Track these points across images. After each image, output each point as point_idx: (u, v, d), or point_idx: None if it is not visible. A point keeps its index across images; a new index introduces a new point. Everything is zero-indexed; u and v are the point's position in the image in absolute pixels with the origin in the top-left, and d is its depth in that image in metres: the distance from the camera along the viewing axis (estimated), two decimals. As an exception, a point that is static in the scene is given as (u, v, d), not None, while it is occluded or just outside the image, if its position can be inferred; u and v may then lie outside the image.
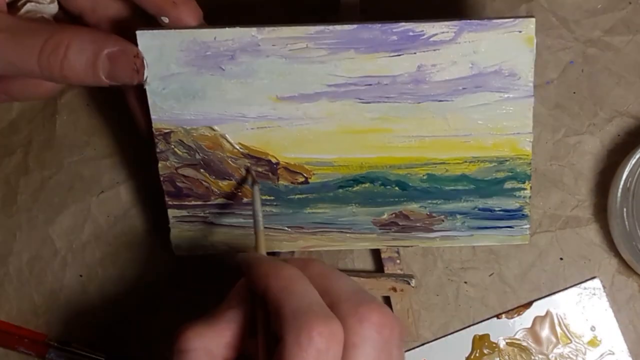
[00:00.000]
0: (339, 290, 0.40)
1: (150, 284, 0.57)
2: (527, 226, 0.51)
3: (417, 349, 0.55)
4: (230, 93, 0.47)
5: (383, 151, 0.49)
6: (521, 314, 0.55)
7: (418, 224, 0.51)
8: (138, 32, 0.46)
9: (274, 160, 0.49)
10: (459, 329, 0.56)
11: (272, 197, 0.50)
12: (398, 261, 0.54)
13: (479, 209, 0.50)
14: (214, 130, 0.48)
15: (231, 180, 0.50)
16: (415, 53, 0.46)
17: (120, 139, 0.56)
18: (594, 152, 0.55)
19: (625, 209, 0.52)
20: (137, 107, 0.49)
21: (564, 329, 0.55)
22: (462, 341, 0.55)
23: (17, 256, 0.57)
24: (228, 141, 0.49)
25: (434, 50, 0.46)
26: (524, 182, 0.49)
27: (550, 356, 0.55)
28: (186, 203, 0.51)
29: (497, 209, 0.50)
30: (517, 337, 0.55)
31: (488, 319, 0.55)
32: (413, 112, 0.48)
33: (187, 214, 0.51)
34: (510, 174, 0.49)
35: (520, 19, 0.46)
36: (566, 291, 0.55)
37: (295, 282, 0.39)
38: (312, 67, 0.47)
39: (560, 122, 0.55)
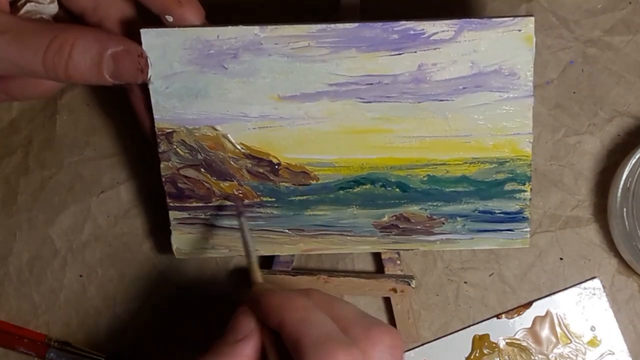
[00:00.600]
0: (346, 316, 0.41)
1: (150, 284, 0.57)
2: (528, 229, 0.51)
3: (417, 349, 0.55)
4: (232, 92, 0.48)
5: (384, 152, 0.49)
6: (521, 314, 0.55)
7: (418, 227, 0.51)
8: (142, 31, 0.46)
9: (275, 161, 0.49)
10: (459, 329, 0.56)
11: (273, 199, 0.50)
12: (398, 262, 0.54)
13: (480, 212, 0.50)
14: (216, 130, 0.48)
15: (232, 181, 0.50)
16: (415, 52, 0.47)
17: (121, 139, 0.56)
18: (594, 152, 0.55)
19: (625, 209, 0.52)
20: (140, 107, 0.49)
21: (564, 329, 0.55)
22: (462, 341, 0.55)
23: (17, 256, 0.57)
24: (230, 141, 0.49)
25: (435, 49, 0.46)
26: (524, 184, 0.49)
27: (550, 356, 0.55)
28: (187, 205, 0.51)
29: (497, 211, 0.50)
30: (517, 337, 0.55)
31: (488, 319, 0.55)
32: (414, 112, 0.48)
33: (188, 216, 0.51)
34: (510, 175, 0.49)
35: (520, 18, 0.46)
36: (566, 291, 0.55)
37: (311, 312, 0.40)
38: (314, 66, 0.47)
39: (560, 122, 0.55)
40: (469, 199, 0.50)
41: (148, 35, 0.46)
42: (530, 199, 0.50)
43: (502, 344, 0.55)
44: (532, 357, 0.55)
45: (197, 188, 0.50)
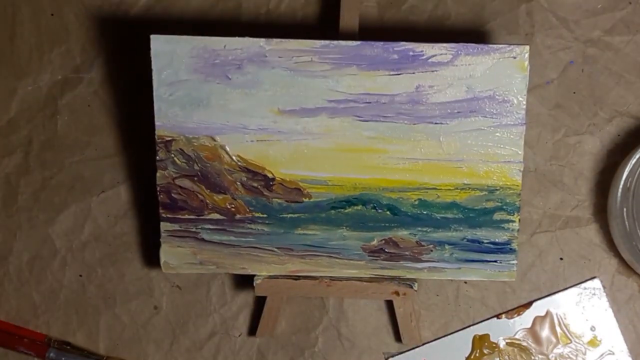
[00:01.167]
0: None
1: (150, 284, 0.57)
2: (515, 262, 0.51)
3: (417, 349, 0.55)
4: (234, 103, 0.49)
5: (377, 172, 0.50)
6: (521, 314, 0.55)
7: (407, 253, 0.51)
8: (152, 37, 0.48)
9: (270, 176, 0.50)
10: (459, 329, 0.56)
11: (265, 215, 0.51)
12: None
13: (468, 240, 0.51)
14: (214, 140, 0.50)
15: (226, 194, 0.50)
16: (414, 73, 0.48)
17: (121, 140, 0.56)
18: (594, 152, 0.55)
19: (625, 209, 0.52)
20: None
21: (564, 329, 0.55)
22: (462, 341, 0.55)
23: (17, 256, 0.57)
24: (227, 153, 0.50)
25: (432, 71, 0.48)
26: (512, 214, 0.50)
27: (550, 356, 0.55)
28: (179, 216, 0.51)
29: (485, 240, 0.51)
30: (517, 337, 0.55)
31: (488, 319, 0.55)
32: (408, 134, 0.49)
33: (179, 229, 0.51)
34: (499, 204, 0.50)
35: (515, 46, 0.48)
36: (566, 291, 0.55)
37: None
38: (315, 81, 0.49)
39: (560, 122, 0.55)
40: (458, 226, 0.50)
41: (157, 42, 0.48)
42: (518, 230, 0.50)
43: (502, 344, 0.55)
44: (532, 357, 0.55)
45: (190, 199, 0.50)
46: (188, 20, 0.56)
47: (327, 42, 0.48)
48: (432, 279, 0.55)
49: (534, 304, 0.55)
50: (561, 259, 0.55)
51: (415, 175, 0.50)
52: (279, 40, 0.48)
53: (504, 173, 0.49)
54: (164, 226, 0.51)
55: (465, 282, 0.55)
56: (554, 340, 0.55)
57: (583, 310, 0.55)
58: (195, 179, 0.50)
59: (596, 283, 0.55)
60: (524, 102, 0.48)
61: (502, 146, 0.49)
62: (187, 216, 0.51)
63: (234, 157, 0.50)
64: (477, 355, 0.55)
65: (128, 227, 0.57)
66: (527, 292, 0.55)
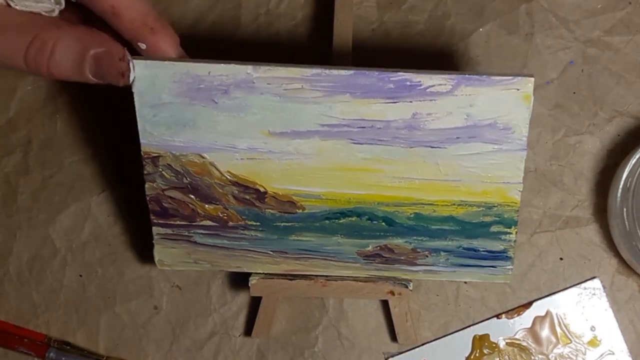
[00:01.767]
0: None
1: (150, 284, 0.57)
2: (510, 267, 0.51)
3: (417, 349, 0.55)
4: (221, 125, 0.47)
5: (372, 189, 0.48)
6: (521, 314, 0.55)
7: (402, 258, 0.51)
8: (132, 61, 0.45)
9: (262, 190, 0.49)
10: (459, 329, 0.56)
11: (258, 223, 0.50)
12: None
13: (464, 248, 0.50)
14: (203, 157, 0.48)
15: (217, 204, 0.49)
16: (411, 101, 0.46)
17: (121, 139, 0.56)
18: (594, 152, 0.55)
19: (625, 209, 0.52)
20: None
21: (564, 329, 0.55)
22: (462, 341, 0.55)
23: (17, 256, 0.57)
24: (217, 169, 0.48)
25: (430, 100, 0.46)
26: (510, 227, 0.49)
27: (550, 356, 0.55)
28: (171, 222, 0.50)
29: (481, 249, 0.50)
30: (517, 337, 0.55)
31: (488, 319, 0.55)
32: (405, 156, 0.47)
33: (172, 232, 0.51)
34: (497, 218, 0.49)
35: (519, 78, 0.45)
36: (566, 291, 0.55)
37: None
38: (306, 107, 0.46)
39: (560, 122, 0.55)
40: (454, 237, 0.50)
41: (138, 66, 0.45)
42: (515, 241, 0.50)
43: (502, 344, 0.55)
44: (532, 357, 0.55)
45: (181, 208, 0.50)
46: (188, 20, 0.56)
47: (318, 70, 0.45)
48: (432, 279, 0.55)
49: (534, 304, 0.55)
50: (561, 259, 0.55)
51: (412, 192, 0.48)
52: (266, 67, 0.45)
53: (502, 193, 0.48)
54: (156, 230, 0.51)
55: (465, 282, 0.55)
56: (554, 340, 0.55)
57: (583, 310, 0.55)
58: (185, 190, 0.49)
59: (596, 283, 0.55)
60: (526, 130, 0.46)
61: (501, 169, 0.47)
62: (179, 222, 0.50)
63: (224, 173, 0.48)
64: (477, 355, 0.55)
65: (128, 226, 0.57)
66: (527, 292, 0.55)
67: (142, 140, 0.47)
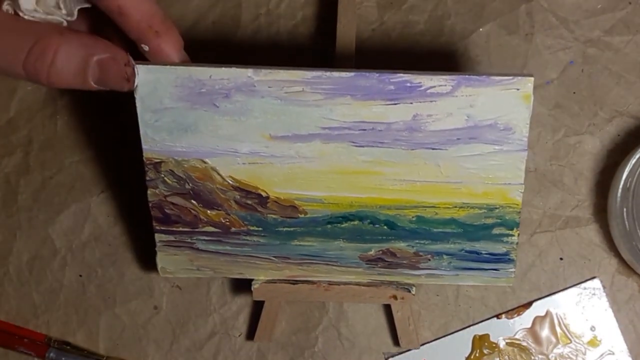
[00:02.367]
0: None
1: (150, 284, 0.57)
2: (513, 270, 0.51)
3: (416, 349, 0.55)
4: (223, 129, 0.47)
5: (374, 192, 0.48)
6: (521, 314, 0.55)
7: (404, 262, 0.51)
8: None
9: (264, 195, 0.49)
10: (459, 329, 0.56)
11: (260, 228, 0.50)
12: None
13: (466, 251, 0.50)
14: (205, 162, 0.48)
15: (220, 210, 0.49)
16: (411, 103, 0.46)
17: (121, 139, 0.56)
18: (594, 152, 0.55)
19: (625, 209, 0.52)
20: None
21: (564, 329, 0.55)
22: (462, 341, 0.55)
23: (17, 256, 0.57)
24: (219, 174, 0.48)
25: (431, 101, 0.46)
26: (512, 229, 0.49)
27: (550, 356, 0.55)
28: (174, 229, 0.50)
29: (483, 252, 0.50)
30: (517, 337, 0.55)
31: (488, 319, 0.55)
32: (406, 158, 0.47)
33: (174, 239, 0.51)
34: (499, 220, 0.49)
35: (519, 78, 0.45)
36: (566, 291, 0.55)
37: None
38: (307, 109, 0.46)
39: (560, 122, 0.55)
40: (456, 240, 0.50)
41: (140, 71, 0.45)
42: (517, 243, 0.50)
43: (502, 344, 0.55)
44: (532, 357, 0.55)
45: (183, 214, 0.50)
46: (188, 21, 0.56)
47: (319, 73, 0.45)
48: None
49: (534, 304, 0.55)
50: (561, 259, 0.55)
51: (413, 195, 0.48)
52: (267, 70, 0.45)
53: (503, 194, 0.48)
54: (158, 237, 0.50)
55: (465, 282, 0.55)
56: (554, 340, 0.55)
57: (583, 310, 0.55)
58: (188, 197, 0.49)
59: (596, 283, 0.55)
60: (527, 130, 0.46)
61: (502, 170, 0.47)
62: (181, 229, 0.50)
63: (226, 178, 0.48)
64: (477, 355, 0.55)
65: (128, 227, 0.57)
66: (527, 292, 0.55)
67: (144, 146, 0.47)
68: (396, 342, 0.55)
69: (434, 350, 0.55)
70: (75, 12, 0.44)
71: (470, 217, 0.49)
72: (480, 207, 0.49)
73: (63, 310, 0.57)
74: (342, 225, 0.50)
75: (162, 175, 0.48)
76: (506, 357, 0.55)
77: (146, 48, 0.45)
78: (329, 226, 0.50)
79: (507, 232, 0.49)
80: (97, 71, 0.42)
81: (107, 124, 0.57)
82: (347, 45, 0.53)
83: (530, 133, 0.54)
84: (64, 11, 0.43)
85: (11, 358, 0.57)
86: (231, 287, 0.56)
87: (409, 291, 0.52)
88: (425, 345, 0.55)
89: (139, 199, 0.56)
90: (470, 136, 0.47)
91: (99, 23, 0.46)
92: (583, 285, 0.55)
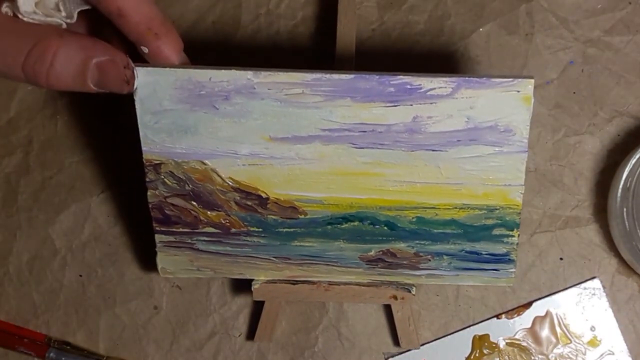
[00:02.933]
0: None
1: (150, 284, 0.57)
2: (513, 270, 0.51)
3: (416, 349, 0.55)
4: (222, 131, 0.47)
5: (374, 193, 0.48)
6: (521, 314, 0.55)
7: (404, 262, 0.51)
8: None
9: (264, 196, 0.49)
10: (459, 329, 0.56)
11: (260, 229, 0.50)
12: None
13: (466, 252, 0.50)
14: (204, 164, 0.48)
15: (220, 211, 0.49)
16: (411, 105, 0.46)
17: (121, 140, 0.56)
18: (594, 152, 0.55)
19: (625, 209, 0.52)
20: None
21: (564, 329, 0.55)
22: (462, 341, 0.55)
23: (17, 256, 0.57)
24: (219, 175, 0.48)
25: (431, 103, 0.46)
26: (512, 230, 0.49)
27: (550, 356, 0.55)
28: (174, 230, 0.50)
29: (484, 252, 0.50)
30: (517, 337, 0.55)
31: (488, 319, 0.55)
32: (406, 160, 0.47)
33: (175, 240, 0.51)
34: (499, 221, 0.49)
35: (519, 80, 0.45)
36: (566, 291, 0.55)
37: None
38: (307, 111, 0.46)
39: (560, 122, 0.55)
40: (456, 240, 0.50)
41: (139, 73, 0.45)
42: (517, 244, 0.50)
43: (502, 344, 0.55)
44: (532, 357, 0.55)
45: (184, 215, 0.50)
46: (188, 21, 0.56)
47: (318, 75, 0.45)
48: (432, 279, 0.55)
49: (534, 304, 0.55)
50: (561, 259, 0.55)
51: (413, 196, 0.48)
52: (267, 73, 0.45)
53: (503, 195, 0.48)
54: (158, 238, 0.51)
55: (465, 282, 0.55)
56: (553, 340, 0.55)
57: (583, 310, 0.55)
58: (188, 197, 0.49)
59: (596, 283, 0.55)
60: (527, 132, 0.46)
61: (502, 171, 0.47)
62: (181, 230, 0.50)
63: (226, 180, 0.48)
64: (477, 355, 0.55)
65: (128, 227, 0.57)
66: (527, 292, 0.55)
67: (143, 148, 0.47)
68: (396, 342, 0.55)
69: (434, 350, 0.55)
70: (75, 14, 0.44)
71: (470, 218, 0.49)
72: (481, 208, 0.49)
73: (63, 310, 0.57)
74: (342, 226, 0.50)
75: (162, 177, 0.48)
76: (506, 357, 0.55)
77: (146, 50, 0.45)
78: (329, 227, 0.50)
79: (507, 232, 0.49)
80: (96, 74, 0.42)
81: (107, 123, 0.57)
82: (347, 45, 0.53)
83: (530, 133, 0.54)
84: (63, 13, 0.43)
85: (11, 358, 0.57)
86: (231, 287, 0.56)
87: (409, 291, 0.52)
88: (425, 345, 0.55)
89: (139, 199, 0.56)
90: (471, 138, 0.47)
91: (99, 25, 0.46)
92: (583, 285, 0.55)
